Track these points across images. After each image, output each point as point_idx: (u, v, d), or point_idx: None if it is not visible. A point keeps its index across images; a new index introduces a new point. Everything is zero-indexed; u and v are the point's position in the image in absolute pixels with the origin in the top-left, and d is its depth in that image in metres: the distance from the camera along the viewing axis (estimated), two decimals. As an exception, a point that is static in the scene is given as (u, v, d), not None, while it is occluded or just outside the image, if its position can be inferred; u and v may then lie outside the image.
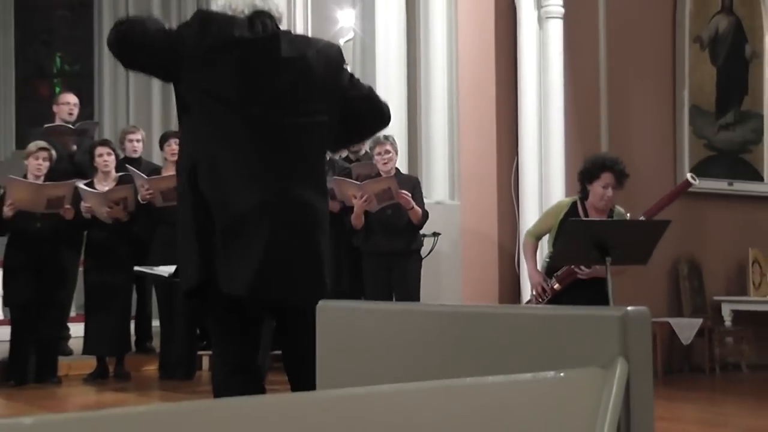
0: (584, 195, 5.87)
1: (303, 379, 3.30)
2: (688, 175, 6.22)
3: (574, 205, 5.91)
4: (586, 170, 5.87)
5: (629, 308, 1.45)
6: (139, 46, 3.31)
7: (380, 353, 1.80)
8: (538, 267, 6.05)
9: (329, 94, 3.41)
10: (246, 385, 3.35)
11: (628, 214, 6.00)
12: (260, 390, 3.40)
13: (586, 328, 1.47)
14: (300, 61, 3.36)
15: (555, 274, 5.80)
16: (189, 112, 3.36)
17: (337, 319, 1.97)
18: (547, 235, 6.08)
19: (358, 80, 3.59)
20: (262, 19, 3.38)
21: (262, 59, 3.32)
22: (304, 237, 3.32)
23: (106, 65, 14.00)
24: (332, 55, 3.48)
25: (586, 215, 5.82)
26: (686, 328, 8.20)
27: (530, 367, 1.43)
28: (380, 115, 3.60)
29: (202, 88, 3.29)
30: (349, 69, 3.62)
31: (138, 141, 8.48)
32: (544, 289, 5.81)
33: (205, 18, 3.39)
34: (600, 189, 5.76)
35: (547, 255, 6.13)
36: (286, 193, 3.28)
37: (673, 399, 6.59)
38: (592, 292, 5.64)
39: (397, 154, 7.24)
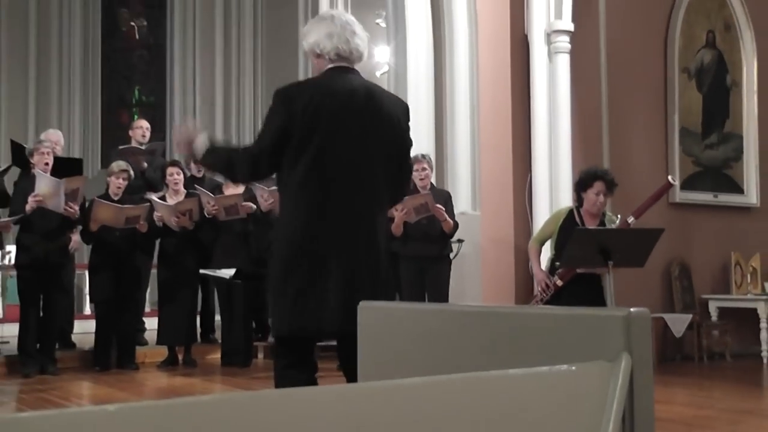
0: (579, 203, 5.92)
1: None
2: (669, 177, 6.35)
3: (571, 212, 5.95)
4: (581, 180, 5.93)
5: (632, 309, 1.43)
6: (273, 155, 3.26)
7: (414, 349, 1.78)
8: (542, 267, 6.07)
9: (399, 144, 3.39)
10: (300, 376, 3.29)
11: (617, 218, 6.00)
12: (312, 383, 3.31)
13: (594, 326, 1.46)
14: (379, 113, 3.30)
15: (557, 272, 5.80)
16: (294, 172, 3.25)
17: (376, 318, 1.95)
18: (549, 240, 6.09)
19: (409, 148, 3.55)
20: (342, 75, 3.32)
21: (346, 114, 3.26)
22: (380, 275, 3.30)
23: (176, 97, 14.12)
24: (404, 111, 3.44)
25: (582, 220, 5.85)
26: (678, 322, 8.14)
27: (545, 360, 1.42)
28: (405, 184, 3.58)
29: (301, 153, 3.22)
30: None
31: (203, 162, 8.48)
32: (548, 285, 5.83)
33: (286, 96, 3.29)
34: (593, 196, 5.79)
35: (549, 256, 6.12)
36: (366, 235, 3.26)
37: (667, 384, 6.52)
38: (587, 286, 5.77)
39: (432, 170, 7.23)
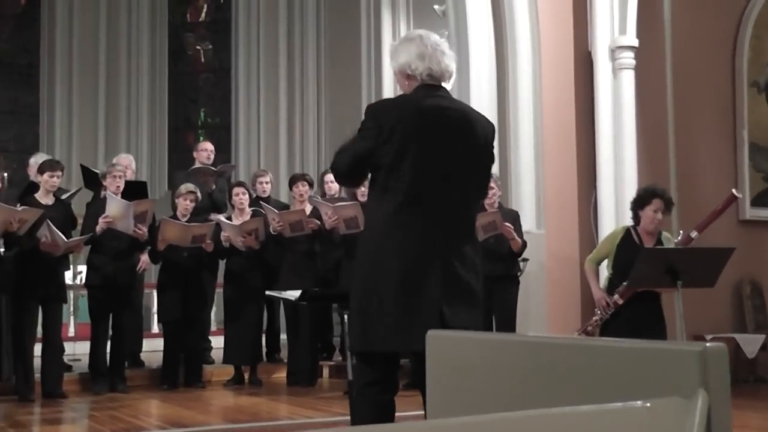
0: (636, 222, 5.82)
1: None
2: (733, 190, 6.24)
3: (627, 231, 5.86)
4: (639, 198, 5.85)
5: (708, 344, 1.39)
6: (352, 169, 3.35)
7: (484, 380, 1.75)
8: (600, 286, 5.98)
9: (485, 162, 3.41)
10: (377, 396, 3.28)
11: (678, 235, 5.89)
12: (389, 404, 3.30)
13: (669, 361, 1.42)
14: (470, 131, 3.31)
15: (616, 290, 5.70)
16: (384, 188, 3.28)
17: (445, 347, 1.92)
18: (606, 260, 6.00)
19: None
20: (432, 92, 3.33)
21: (438, 132, 3.27)
22: (474, 293, 3.31)
23: (241, 118, 14.30)
24: (492, 129, 3.45)
25: (639, 239, 5.76)
26: (750, 343, 7.92)
27: (618, 396, 1.38)
28: (485, 195, 3.64)
29: (391, 171, 3.25)
30: None
31: (267, 183, 8.58)
32: (608, 304, 5.74)
33: (376, 111, 3.34)
34: (651, 213, 5.70)
35: (606, 275, 6.03)
36: (455, 253, 3.25)
37: (740, 407, 6.33)
38: (647, 304, 5.67)
39: (499, 190, 7.20)
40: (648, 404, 1.33)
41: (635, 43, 7.95)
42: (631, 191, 7.77)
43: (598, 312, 5.91)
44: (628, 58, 7.91)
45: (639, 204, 5.80)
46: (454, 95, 10.05)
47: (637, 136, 7.89)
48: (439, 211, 3.26)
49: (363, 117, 3.34)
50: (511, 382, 1.68)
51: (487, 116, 3.60)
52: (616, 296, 5.71)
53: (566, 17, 8.09)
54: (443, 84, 3.40)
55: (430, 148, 3.25)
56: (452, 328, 3.14)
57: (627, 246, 5.69)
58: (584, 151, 7.98)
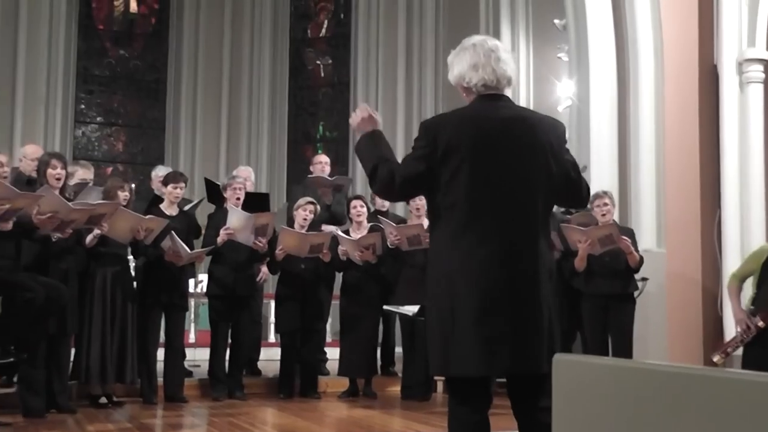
0: None
1: (535, 424, 3.18)
2: None
3: None
4: None
5: None
6: (402, 187, 3.27)
7: (611, 408, 1.68)
8: (742, 306, 5.76)
9: (556, 165, 3.23)
10: (469, 416, 3.21)
11: None
12: (480, 424, 3.21)
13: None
14: (529, 139, 3.19)
15: (759, 312, 5.48)
16: (445, 207, 3.20)
17: (572, 372, 1.86)
18: (751, 277, 5.78)
19: (574, 160, 3.40)
20: (489, 103, 3.24)
21: (494, 143, 3.16)
22: (542, 309, 3.16)
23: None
24: (562, 132, 3.32)
25: None
26: None
27: None
28: (580, 193, 3.38)
29: (450, 190, 3.17)
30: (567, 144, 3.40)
31: (385, 196, 8.61)
32: (748, 326, 5.51)
33: (428, 128, 3.24)
34: None
35: (750, 295, 5.80)
36: (528, 269, 3.15)
37: None
38: None
39: (614, 206, 7.05)
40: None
41: (765, 55, 7.70)
42: (758, 211, 7.52)
43: (738, 334, 5.70)
44: (757, 72, 7.68)
45: None
46: (573, 111, 9.93)
47: (765, 152, 7.62)
48: (502, 223, 3.13)
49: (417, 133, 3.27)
50: (639, 411, 1.59)
51: (559, 121, 3.43)
52: (757, 318, 5.49)
53: (691, 29, 7.90)
54: (504, 91, 3.28)
55: (487, 165, 3.14)
56: (521, 350, 3.09)
57: None
58: (708, 168, 7.76)
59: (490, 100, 3.24)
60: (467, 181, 3.14)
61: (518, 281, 3.13)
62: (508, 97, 3.32)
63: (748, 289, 5.89)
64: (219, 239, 7.44)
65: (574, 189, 3.34)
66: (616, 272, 6.84)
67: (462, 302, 3.11)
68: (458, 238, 3.15)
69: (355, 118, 3.48)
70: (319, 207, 7.99)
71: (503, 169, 3.16)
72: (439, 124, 3.25)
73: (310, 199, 7.90)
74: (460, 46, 3.35)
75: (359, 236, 7.70)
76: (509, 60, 3.30)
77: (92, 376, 6.70)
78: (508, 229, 3.15)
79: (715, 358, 5.94)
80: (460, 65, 3.28)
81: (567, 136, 3.42)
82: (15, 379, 6.91)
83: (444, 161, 3.15)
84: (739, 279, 5.87)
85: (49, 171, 6.24)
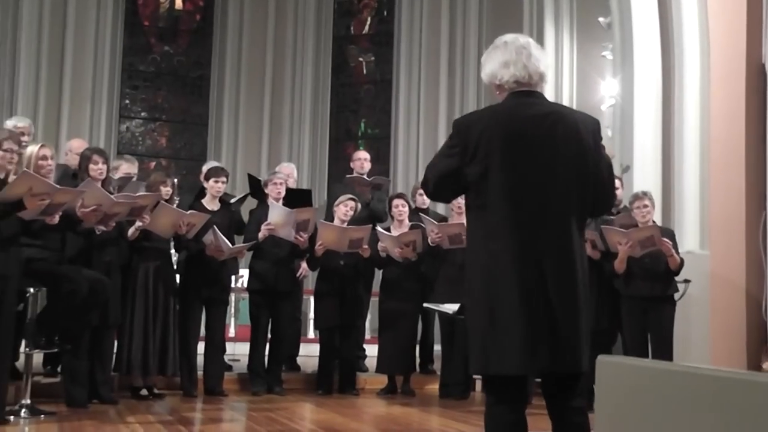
0: None
1: (569, 424, 3.17)
2: None
3: None
4: None
5: None
6: (438, 186, 3.33)
7: (654, 411, 1.66)
8: None
9: (590, 162, 3.20)
10: (505, 416, 3.19)
11: None
12: (517, 423, 3.20)
13: None
14: (561, 135, 3.17)
15: None
16: (479, 206, 3.22)
17: (614, 374, 1.84)
18: None
19: (609, 161, 3.36)
20: (521, 100, 3.23)
21: (525, 140, 3.16)
22: (578, 306, 3.13)
23: (401, 130, 14.47)
24: (596, 127, 3.28)
25: None
26: None
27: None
28: (608, 198, 3.36)
29: (482, 188, 3.18)
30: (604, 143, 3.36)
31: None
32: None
33: (460, 127, 3.26)
34: None
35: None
36: (564, 266, 3.13)
37: None
38: None
39: (654, 208, 6.97)
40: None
41: (814, 56, 7.55)
42: (805, 213, 7.38)
43: None
44: (807, 70, 7.53)
45: None
46: (617, 110, 9.83)
47: (814, 153, 7.48)
48: (536, 227, 3.12)
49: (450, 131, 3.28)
50: (682, 414, 1.57)
51: (594, 117, 3.40)
52: None
53: (739, 27, 7.77)
54: (537, 88, 3.27)
55: (519, 163, 3.13)
56: (559, 349, 3.07)
57: None
58: (754, 169, 7.63)
59: (522, 97, 3.24)
60: (498, 180, 3.14)
61: (554, 280, 3.11)
62: (541, 93, 3.31)
63: None
64: (260, 235, 7.48)
65: (604, 193, 3.31)
66: (656, 274, 6.77)
67: (500, 302, 3.10)
68: (492, 238, 3.15)
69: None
70: (359, 204, 8.00)
71: (535, 166, 3.15)
72: (470, 123, 3.26)
73: (350, 195, 7.92)
74: (492, 45, 3.36)
75: (400, 233, 7.70)
76: (541, 56, 3.29)
77: (134, 368, 6.79)
78: (541, 227, 3.13)
79: (765, 365, 5.84)
80: (492, 63, 3.29)
81: (610, 135, 3.40)
82: (59, 369, 7.03)
83: (475, 159, 3.16)
84: None
85: (91, 166, 6.35)
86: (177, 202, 7.30)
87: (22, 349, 6.20)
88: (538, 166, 3.15)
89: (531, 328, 3.07)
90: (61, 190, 5.56)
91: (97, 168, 6.35)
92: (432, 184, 3.30)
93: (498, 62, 3.26)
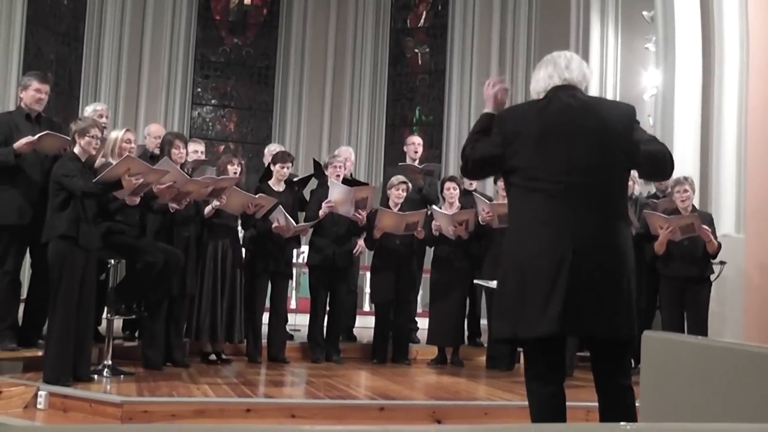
0: None
1: (616, 402, 3.16)
2: None
3: None
4: None
5: None
6: (477, 166, 3.44)
7: (699, 386, 1.64)
8: None
9: (626, 146, 3.25)
10: (542, 389, 3.24)
11: None
12: (553, 396, 3.24)
13: None
14: (596, 122, 3.23)
15: None
16: (516, 186, 3.32)
17: (659, 349, 1.83)
18: None
19: (652, 137, 3.40)
20: (557, 93, 3.30)
21: (560, 129, 3.22)
22: (616, 276, 3.15)
23: (453, 117, 14.45)
24: (628, 113, 3.33)
25: None
26: None
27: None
28: (665, 164, 3.36)
29: (521, 172, 3.27)
30: (641, 125, 3.40)
31: (475, 177, 8.58)
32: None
33: (501, 118, 3.37)
34: None
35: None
36: (600, 239, 3.16)
37: None
38: None
39: (694, 192, 6.91)
40: None
41: None
42: (839, 199, 7.24)
43: None
44: None
45: None
46: (658, 99, 9.70)
47: None
48: (569, 201, 3.17)
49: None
50: (733, 392, 1.57)
51: (628, 104, 3.50)
52: None
53: (777, 23, 7.63)
54: (577, 86, 3.35)
55: (552, 147, 3.20)
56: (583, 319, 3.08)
57: None
58: (791, 156, 7.50)
59: (560, 91, 3.32)
60: (533, 166, 3.22)
61: (588, 254, 3.13)
62: (578, 88, 3.36)
63: None
64: (321, 212, 7.58)
65: (651, 162, 3.32)
66: (694, 257, 6.74)
67: (534, 270, 3.15)
68: (529, 213, 3.23)
69: (487, 90, 3.58)
70: (410, 185, 8.04)
71: (568, 152, 3.20)
72: (509, 113, 3.39)
73: (402, 178, 7.96)
74: (540, 62, 3.48)
75: (453, 212, 7.73)
76: (583, 67, 3.39)
77: (203, 334, 6.96)
78: (575, 202, 3.17)
79: None
80: (535, 81, 3.42)
81: (651, 123, 3.45)
82: (137, 334, 7.24)
83: (510, 148, 3.26)
84: None
85: (173, 150, 6.63)
86: (243, 181, 7.44)
87: (104, 315, 6.41)
88: (571, 152, 3.21)
89: (566, 296, 3.09)
90: (153, 170, 5.78)
91: (179, 152, 6.64)
92: (470, 166, 3.44)
93: (543, 77, 3.39)
